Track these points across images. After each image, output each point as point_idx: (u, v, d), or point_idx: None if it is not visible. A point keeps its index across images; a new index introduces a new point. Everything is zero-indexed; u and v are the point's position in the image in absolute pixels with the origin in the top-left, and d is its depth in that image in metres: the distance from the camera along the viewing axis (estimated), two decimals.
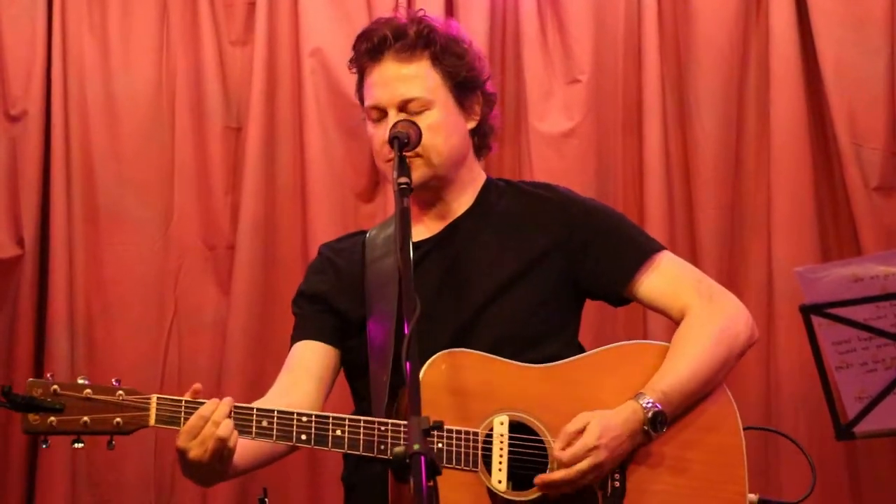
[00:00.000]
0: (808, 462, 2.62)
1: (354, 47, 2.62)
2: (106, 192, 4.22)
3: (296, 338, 2.66)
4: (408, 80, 2.54)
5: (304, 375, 2.60)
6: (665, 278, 2.58)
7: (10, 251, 4.17)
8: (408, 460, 1.85)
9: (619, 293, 2.60)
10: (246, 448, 2.37)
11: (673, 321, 2.60)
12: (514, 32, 4.18)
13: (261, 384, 4.00)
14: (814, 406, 3.80)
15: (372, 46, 2.57)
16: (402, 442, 2.26)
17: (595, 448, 2.32)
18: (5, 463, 4.11)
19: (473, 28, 4.06)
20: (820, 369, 2.21)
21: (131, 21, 4.27)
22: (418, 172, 2.51)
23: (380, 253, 2.61)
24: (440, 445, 2.30)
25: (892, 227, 3.94)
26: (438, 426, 1.93)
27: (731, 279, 3.99)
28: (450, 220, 2.63)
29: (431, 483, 1.83)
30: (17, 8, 4.23)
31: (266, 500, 2.79)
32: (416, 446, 1.85)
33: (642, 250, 2.60)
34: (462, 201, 2.64)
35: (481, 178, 2.69)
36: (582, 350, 2.65)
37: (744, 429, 2.49)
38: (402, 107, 2.53)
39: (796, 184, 3.96)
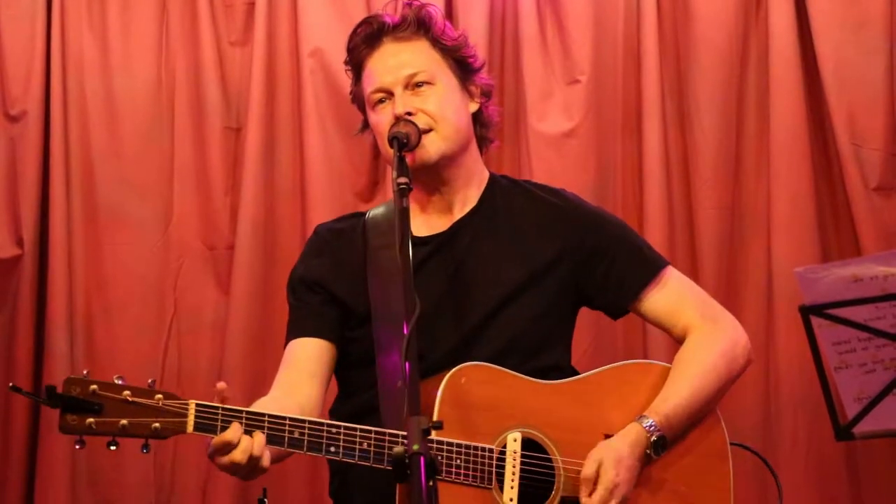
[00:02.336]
0: (775, 480, 2.67)
1: (350, 41, 2.61)
2: (105, 192, 4.22)
3: (294, 332, 2.59)
4: (410, 57, 2.54)
5: (306, 378, 2.54)
6: (670, 297, 2.60)
7: (9, 251, 4.17)
8: (407, 460, 1.84)
9: (625, 307, 2.62)
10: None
11: (673, 339, 2.62)
12: (513, 33, 4.18)
13: (260, 384, 4.00)
14: (813, 406, 3.80)
15: (371, 32, 2.57)
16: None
17: (616, 486, 2.35)
18: (5, 462, 4.10)
19: (473, 28, 4.05)
20: (819, 370, 2.20)
21: (131, 21, 4.27)
22: (434, 147, 2.49)
23: (383, 241, 2.55)
24: (458, 462, 2.29)
25: (892, 228, 3.93)
26: (438, 426, 1.92)
27: (730, 280, 3.99)
28: (454, 219, 2.60)
29: (431, 483, 1.82)
30: (16, 8, 4.22)
31: (265, 500, 2.79)
32: (415, 446, 1.83)
33: (651, 266, 2.61)
34: (467, 198, 2.60)
35: (485, 173, 2.66)
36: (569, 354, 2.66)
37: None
38: (408, 83, 2.52)
39: (796, 184, 3.96)
